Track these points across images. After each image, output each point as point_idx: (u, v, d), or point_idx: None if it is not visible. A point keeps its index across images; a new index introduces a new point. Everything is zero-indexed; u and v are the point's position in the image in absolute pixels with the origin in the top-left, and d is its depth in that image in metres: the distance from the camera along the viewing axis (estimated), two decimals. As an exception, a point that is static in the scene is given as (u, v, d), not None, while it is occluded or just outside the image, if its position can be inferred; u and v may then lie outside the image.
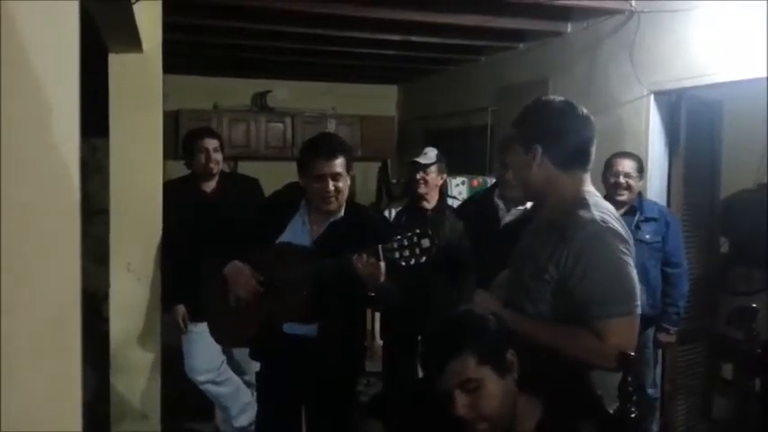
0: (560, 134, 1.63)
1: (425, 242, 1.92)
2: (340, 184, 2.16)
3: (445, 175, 3.33)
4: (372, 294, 2.07)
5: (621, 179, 3.11)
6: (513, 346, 1.42)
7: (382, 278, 1.98)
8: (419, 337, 1.90)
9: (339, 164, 2.15)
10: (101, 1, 2.08)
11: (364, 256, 1.95)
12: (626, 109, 3.68)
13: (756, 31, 2.95)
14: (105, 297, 2.85)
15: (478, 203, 2.68)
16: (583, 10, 3.79)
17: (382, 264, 1.95)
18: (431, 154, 3.26)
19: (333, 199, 2.16)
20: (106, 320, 2.83)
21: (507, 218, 2.52)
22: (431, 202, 3.14)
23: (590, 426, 1.42)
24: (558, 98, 1.71)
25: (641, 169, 3.19)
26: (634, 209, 3.13)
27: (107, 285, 2.82)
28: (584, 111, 1.66)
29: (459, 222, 2.71)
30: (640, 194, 3.24)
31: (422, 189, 3.20)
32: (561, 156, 1.63)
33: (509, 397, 1.38)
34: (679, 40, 3.36)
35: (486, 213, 2.52)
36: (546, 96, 1.79)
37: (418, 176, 3.17)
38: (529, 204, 2.50)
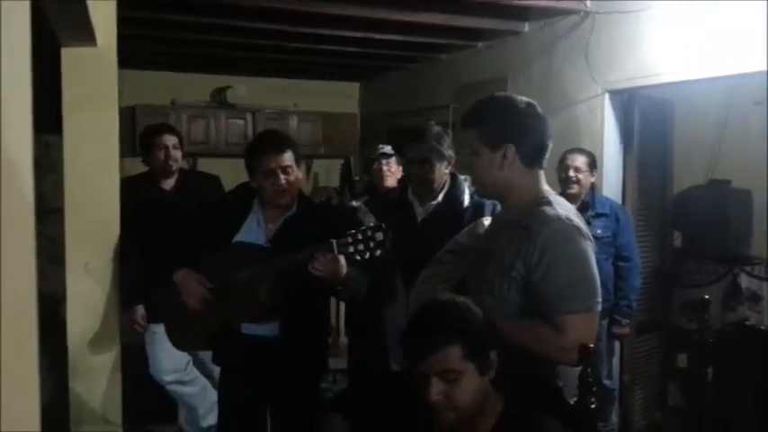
0: (530, 132, 1.64)
1: (379, 235, 1.93)
2: (291, 178, 2.15)
3: (401, 168, 3.43)
4: (339, 288, 2.05)
5: (571, 173, 3.19)
6: (497, 348, 1.43)
7: (344, 271, 1.97)
8: (401, 321, 1.91)
9: (287, 157, 2.15)
10: (53, -7, 2.02)
11: (320, 255, 1.94)
12: (581, 107, 3.76)
13: (706, 32, 3.05)
14: (62, 298, 2.78)
15: (392, 201, 2.71)
16: (540, 10, 3.85)
17: (341, 257, 1.95)
18: (388, 148, 3.39)
19: (285, 192, 2.15)
20: (64, 322, 2.75)
21: (422, 214, 2.55)
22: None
23: (551, 417, 1.45)
24: (517, 96, 1.70)
25: (593, 164, 3.27)
26: (586, 204, 3.21)
27: (64, 286, 2.74)
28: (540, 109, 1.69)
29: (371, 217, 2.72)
30: (593, 190, 3.31)
31: (389, 180, 3.30)
32: (530, 154, 1.64)
33: (483, 395, 1.41)
34: (632, 40, 3.44)
35: (401, 211, 2.55)
36: (501, 93, 1.75)
37: (385, 167, 3.34)
38: (440, 197, 2.53)
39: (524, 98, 1.69)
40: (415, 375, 1.39)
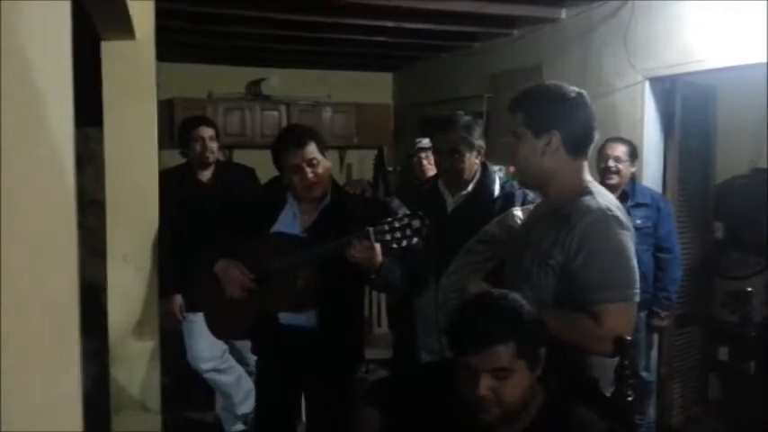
0: (576, 121, 1.63)
1: (416, 223, 1.92)
2: (319, 170, 2.15)
3: None
4: (373, 276, 2.05)
5: (611, 163, 3.12)
6: (545, 344, 1.41)
7: (379, 259, 1.97)
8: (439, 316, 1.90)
9: (311, 150, 2.14)
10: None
11: (356, 242, 1.94)
12: (620, 95, 3.68)
13: (751, 17, 2.94)
14: (103, 288, 2.85)
15: (423, 191, 2.70)
16: (577, -5, 3.77)
17: (377, 245, 1.95)
18: (425, 141, 3.41)
19: (315, 186, 2.16)
20: (104, 311, 2.83)
21: (452, 204, 2.54)
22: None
23: (588, 409, 1.44)
24: (566, 84, 1.68)
25: (633, 154, 3.20)
26: (626, 194, 3.14)
27: (104, 276, 2.81)
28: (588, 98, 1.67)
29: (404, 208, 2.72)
30: (633, 180, 3.24)
31: (429, 172, 3.33)
32: (575, 143, 1.63)
33: (530, 391, 1.40)
34: (673, 25, 3.35)
35: (432, 201, 2.53)
36: (550, 81, 1.74)
37: (425, 160, 3.42)
38: (471, 188, 2.51)
39: (575, 87, 1.67)
40: (461, 369, 1.38)
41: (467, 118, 2.54)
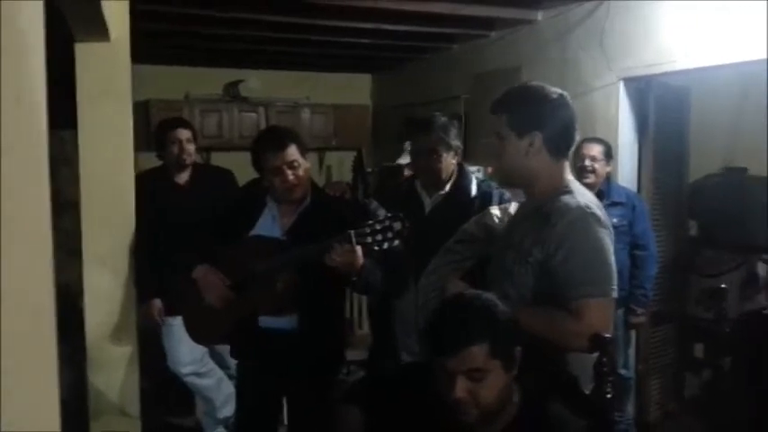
0: (558, 122, 1.65)
1: (397, 225, 1.93)
2: (299, 172, 2.14)
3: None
4: (354, 279, 2.05)
5: (587, 162, 3.17)
6: (520, 343, 1.42)
7: (360, 262, 1.97)
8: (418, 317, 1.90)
9: (291, 152, 2.13)
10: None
11: (337, 246, 1.94)
12: (597, 95, 3.72)
13: (723, 18, 3.00)
14: (80, 291, 2.81)
15: (400, 192, 2.72)
16: (554, -3, 3.81)
17: (358, 248, 1.95)
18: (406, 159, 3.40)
19: (295, 188, 2.15)
20: (82, 314, 2.79)
21: (430, 205, 2.56)
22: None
23: (567, 407, 1.45)
24: (547, 85, 1.70)
25: (609, 154, 3.25)
26: (601, 193, 3.18)
27: (81, 279, 2.77)
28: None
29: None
30: (608, 179, 3.29)
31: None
32: (557, 144, 1.65)
33: (507, 391, 1.40)
34: (648, 26, 3.40)
35: (409, 202, 2.55)
36: (532, 82, 1.76)
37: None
38: (448, 188, 2.53)
39: (556, 89, 1.69)
40: (438, 371, 1.38)
41: (444, 119, 2.56)
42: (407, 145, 3.51)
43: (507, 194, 2.43)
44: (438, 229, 2.08)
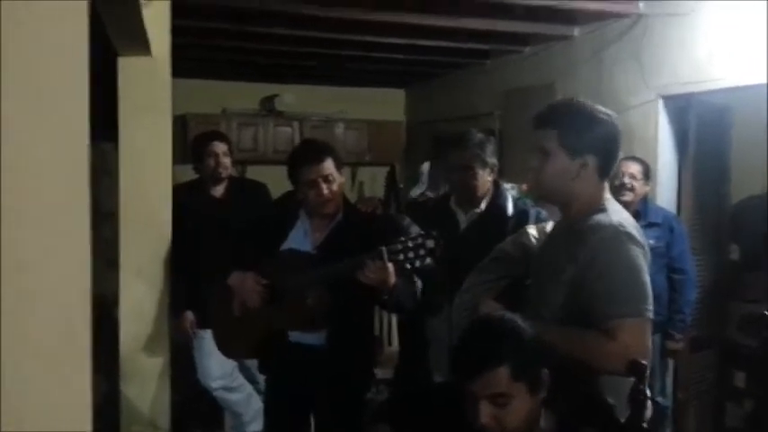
0: (611, 145, 1.62)
1: (430, 243, 1.91)
2: (334, 187, 2.14)
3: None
4: (385, 297, 2.03)
5: (626, 180, 3.12)
6: (547, 366, 1.38)
7: (392, 280, 1.95)
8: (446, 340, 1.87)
9: (327, 166, 2.14)
10: (110, 3, 2.09)
11: (369, 263, 1.93)
12: (634, 113, 3.66)
13: (764, 35, 2.93)
14: (116, 300, 2.85)
15: (434, 209, 2.69)
16: (589, 13, 3.78)
17: (390, 265, 1.93)
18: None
19: (329, 202, 2.15)
20: (116, 324, 2.83)
21: (465, 222, 2.52)
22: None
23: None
24: (593, 103, 1.66)
25: (647, 173, 3.19)
26: (638, 214, 3.11)
27: (117, 289, 2.82)
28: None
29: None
30: (645, 200, 3.23)
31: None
32: (606, 167, 1.62)
33: (534, 414, 1.36)
34: (687, 43, 3.34)
35: (444, 220, 2.52)
36: (579, 99, 1.69)
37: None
38: (483, 206, 2.50)
39: (602, 107, 1.64)
40: (464, 395, 1.35)
41: (480, 135, 2.53)
42: (425, 167, 3.49)
43: (544, 213, 2.39)
44: (473, 248, 2.06)
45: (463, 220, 2.53)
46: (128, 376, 2.82)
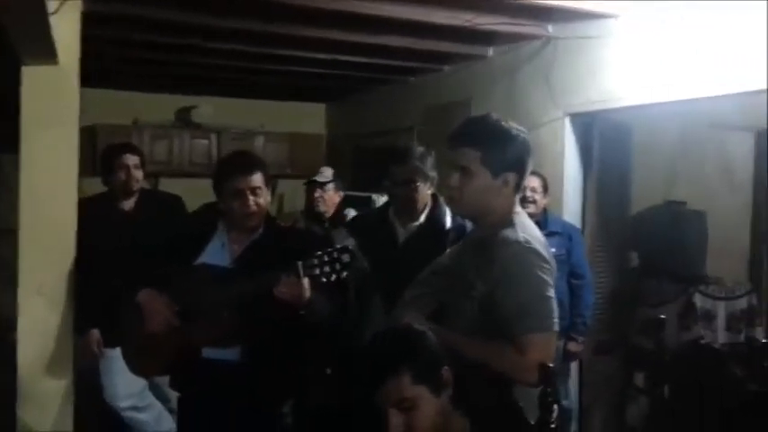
0: (526, 161, 1.68)
1: (345, 257, 1.92)
2: (260, 200, 2.13)
3: (342, 193, 3.61)
4: (302, 312, 2.02)
5: (529, 193, 3.29)
6: (447, 363, 1.42)
7: (307, 294, 1.95)
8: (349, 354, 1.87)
9: (257, 179, 2.13)
10: (14, 10, 1.99)
11: (284, 278, 1.92)
12: (543, 130, 3.83)
13: (664, 58, 3.15)
14: (13, 323, 2.69)
15: (373, 222, 2.70)
16: (504, 35, 3.93)
17: (305, 280, 1.93)
18: (327, 173, 3.47)
19: (254, 215, 2.13)
20: (13, 347, 2.66)
21: (403, 235, 2.55)
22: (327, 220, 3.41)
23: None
24: (509, 121, 1.70)
25: (546, 186, 3.40)
26: (539, 224, 3.26)
27: (15, 310, 2.65)
28: None
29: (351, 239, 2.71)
30: (545, 210, 3.42)
31: (320, 207, 3.37)
32: (521, 182, 1.69)
33: (443, 416, 1.39)
34: (593, 65, 3.54)
35: (382, 232, 2.54)
36: (495, 115, 1.72)
37: (317, 195, 3.47)
38: (422, 219, 2.52)
39: (515, 123, 1.70)
40: (370, 409, 1.36)
41: (421, 149, 2.56)
42: (323, 169, 3.60)
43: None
44: (411, 261, 2.05)
45: (402, 233, 2.54)
46: (27, 400, 2.65)
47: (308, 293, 1.94)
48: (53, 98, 2.69)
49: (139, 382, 3.07)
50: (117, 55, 4.35)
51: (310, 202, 3.56)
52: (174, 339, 2.11)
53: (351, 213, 3.52)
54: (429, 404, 1.36)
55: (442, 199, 2.58)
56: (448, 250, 2.01)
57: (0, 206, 3.09)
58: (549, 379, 1.54)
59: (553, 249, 3.13)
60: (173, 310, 2.10)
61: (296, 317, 2.03)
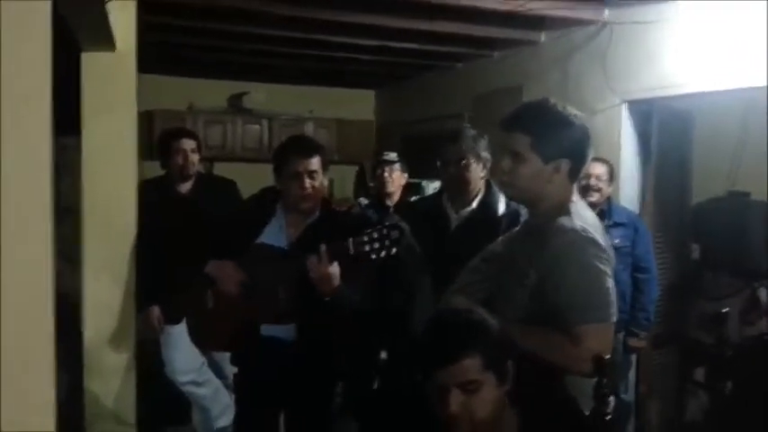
0: (582, 148, 1.63)
1: (395, 233, 1.94)
2: (316, 183, 2.17)
3: (407, 175, 3.60)
4: (327, 299, 2.03)
5: (593, 181, 3.17)
6: (512, 358, 1.41)
7: (335, 282, 1.97)
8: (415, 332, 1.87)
9: (315, 162, 2.16)
10: (73, 0, 2.05)
11: (315, 257, 1.95)
12: (599, 117, 3.73)
13: (726, 43, 3.02)
14: (79, 298, 2.81)
15: (426, 208, 2.67)
16: (557, 20, 3.84)
17: (335, 265, 1.94)
18: (392, 155, 3.57)
19: (309, 197, 2.16)
20: (80, 322, 2.78)
21: (456, 221, 2.52)
22: (393, 201, 3.41)
23: (566, 428, 1.43)
24: (562, 104, 1.65)
25: (612, 174, 3.27)
26: (603, 213, 3.17)
27: (80, 285, 2.77)
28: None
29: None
30: (610, 200, 3.30)
31: (389, 187, 3.36)
32: (577, 169, 1.63)
33: (500, 406, 1.39)
34: (651, 50, 3.42)
35: (435, 218, 2.52)
36: (552, 100, 1.66)
37: (385, 174, 3.46)
38: (475, 204, 2.49)
39: (572, 108, 1.64)
40: (432, 387, 1.37)
41: (473, 131, 2.53)
42: (385, 153, 3.61)
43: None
44: (463, 247, 2.04)
45: (455, 218, 2.51)
46: (92, 372, 2.79)
47: (334, 280, 1.96)
48: (111, 83, 2.78)
49: (198, 358, 3.15)
50: (172, 42, 4.43)
51: (379, 181, 3.55)
52: (234, 316, 2.17)
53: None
54: (491, 392, 1.36)
55: (495, 186, 2.53)
56: (500, 237, 1.97)
57: (62, 186, 3.21)
58: (604, 370, 1.50)
59: (617, 240, 3.10)
60: (243, 276, 2.16)
61: (320, 305, 2.03)
